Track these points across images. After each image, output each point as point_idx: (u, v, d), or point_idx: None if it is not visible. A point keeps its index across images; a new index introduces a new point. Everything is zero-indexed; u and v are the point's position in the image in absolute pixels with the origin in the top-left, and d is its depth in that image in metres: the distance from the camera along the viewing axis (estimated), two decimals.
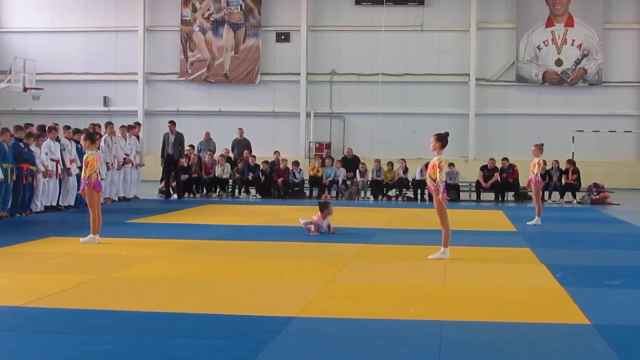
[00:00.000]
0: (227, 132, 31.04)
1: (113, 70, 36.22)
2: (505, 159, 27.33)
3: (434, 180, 12.53)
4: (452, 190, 25.44)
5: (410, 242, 14.87)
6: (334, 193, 27.50)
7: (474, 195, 27.56)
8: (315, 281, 10.40)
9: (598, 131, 33.46)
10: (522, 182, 25.09)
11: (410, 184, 27.18)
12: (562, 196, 27.05)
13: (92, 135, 14.90)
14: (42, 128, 21.16)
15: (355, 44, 35.14)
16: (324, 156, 28.97)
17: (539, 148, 18.87)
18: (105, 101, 36.24)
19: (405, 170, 27.16)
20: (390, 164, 27.50)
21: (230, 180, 27.60)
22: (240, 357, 6.79)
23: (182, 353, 6.88)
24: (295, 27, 35.35)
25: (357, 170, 27.51)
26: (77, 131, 21.45)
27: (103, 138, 22.54)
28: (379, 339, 7.42)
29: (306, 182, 27.81)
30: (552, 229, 17.86)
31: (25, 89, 31.42)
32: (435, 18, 34.77)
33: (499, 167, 27.09)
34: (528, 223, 18.52)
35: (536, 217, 18.63)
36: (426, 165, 25.18)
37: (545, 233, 17.08)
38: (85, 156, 14.39)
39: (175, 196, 25.85)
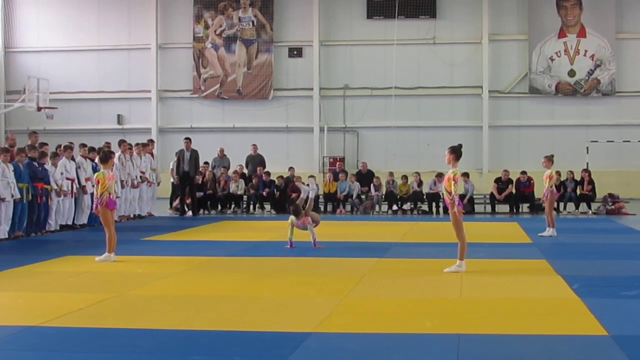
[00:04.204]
0: (241, 148, 31.10)
1: (126, 88, 36.34)
2: (523, 172, 27.22)
3: (450, 193, 12.52)
4: (466, 203, 25.40)
5: (426, 255, 14.85)
6: (348, 207, 27.49)
7: (488, 208, 27.51)
8: (331, 296, 10.39)
9: (612, 141, 33.34)
10: (537, 194, 25.03)
11: (424, 197, 27.15)
12: (577, 207, 26.93)
13: (105, 154, 14.96)
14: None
15: (367, 58, 35.16)
16: (337, 170, 28.98)
17: (549, 159, 18.81)
18: (119, 119, 36.34)
19: (420, 184, 27.13)
20: (405, 177, 27.47)
21: (245, 197, 27.63)
22: None
23: None
24: (307, 42, 35.38)
25: (372, 184, 27.48)
26: (92, 149, 21.55)
27: (117, 156, 22.59)
28: (396, 353, 7.41)
29: (320, 197, 27.77)
30: (567, 240, 17.82)
31: (39, 109, 31.51)
32: (447, 31, 34.77)
33: (514, 179, 27.03)
34: (540, 234, 18.48)
35: (548, 229, 18.58)
36: (437, 177, 25.59)
37: (561, 244, 17.05)
38: (95, 175, 14.43)
39: (189, 213, 25.87)
